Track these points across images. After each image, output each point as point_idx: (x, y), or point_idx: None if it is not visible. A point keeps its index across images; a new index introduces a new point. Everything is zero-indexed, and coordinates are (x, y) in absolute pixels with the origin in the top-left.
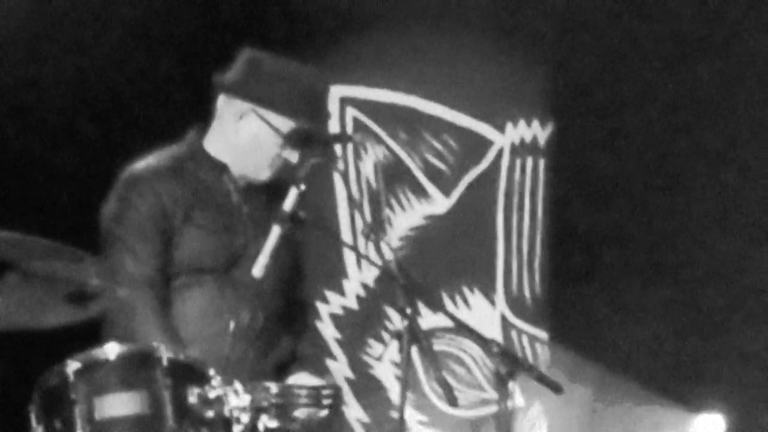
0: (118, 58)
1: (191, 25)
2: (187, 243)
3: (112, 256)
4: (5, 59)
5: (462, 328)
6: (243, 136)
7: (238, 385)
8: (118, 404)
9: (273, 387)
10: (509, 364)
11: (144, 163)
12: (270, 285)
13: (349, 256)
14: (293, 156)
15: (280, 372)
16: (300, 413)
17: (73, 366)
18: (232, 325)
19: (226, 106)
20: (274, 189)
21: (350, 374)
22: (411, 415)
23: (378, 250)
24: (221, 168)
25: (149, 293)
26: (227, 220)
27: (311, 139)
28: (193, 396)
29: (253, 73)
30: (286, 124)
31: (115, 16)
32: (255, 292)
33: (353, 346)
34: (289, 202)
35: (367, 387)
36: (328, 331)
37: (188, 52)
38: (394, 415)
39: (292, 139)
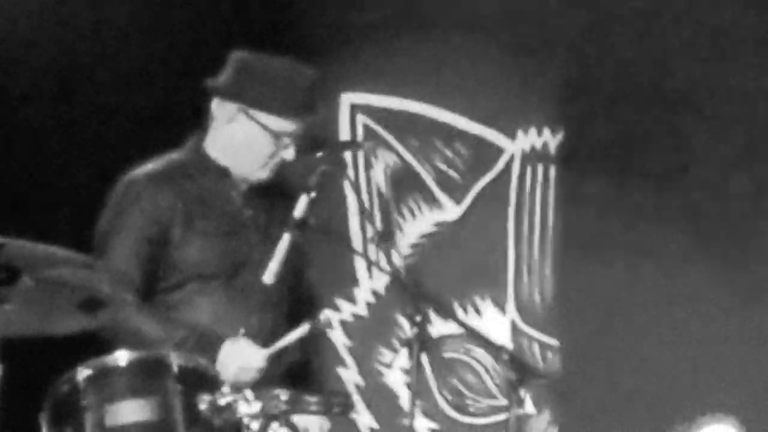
0: (128, 61)
1: (200, 32)
2: (190, 250)
3: (102, 260)
4: (5, 69)
5: (472, 336)
6: (236, 138)
7: (248, 392)
8: (129, 411)
9: (283, 394)
10: (519, 371)
11: (141, 170)
12: (278, 291)
13: (359, 264)
14: (289, 153)
15: (289, 378)
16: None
17: (84, 373)
18: (241, 331)
19: (218, 110)
20: (277, 193)
21: (360, 382)
22: (421, 423)
23: (388, 257)
24: (222, 172)
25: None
26: (229, 226)
27: (321, 145)
28: (203, 403)
29: (240, 73)
30: (275, 122)
31: (133, 20)
32: (264, 298)
33: (363, 353)
34: (299, 210)
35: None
36: (338, 338)
37: (196, 60)
38: (405, 422)
39: (301, 145)
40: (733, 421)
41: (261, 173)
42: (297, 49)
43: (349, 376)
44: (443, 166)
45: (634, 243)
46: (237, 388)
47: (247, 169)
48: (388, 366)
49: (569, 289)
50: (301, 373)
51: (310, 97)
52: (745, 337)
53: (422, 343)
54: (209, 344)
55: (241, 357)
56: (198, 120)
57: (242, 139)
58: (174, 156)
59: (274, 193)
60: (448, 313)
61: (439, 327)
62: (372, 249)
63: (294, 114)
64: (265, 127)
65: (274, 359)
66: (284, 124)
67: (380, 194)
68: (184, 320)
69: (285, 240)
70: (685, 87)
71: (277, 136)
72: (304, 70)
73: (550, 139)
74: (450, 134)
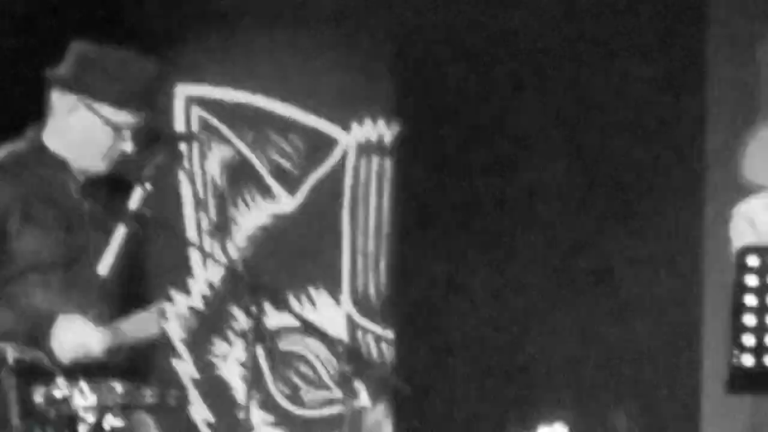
0: None
1: (39, 23)
2: (27, 241)
3: None
4: None
5: (308, 328)
6: (75, 129)
7: (83, 385)
8: None
9: (118, 386)
10: (354, 363)
11: None
12: (115, 283)
13: (194, 255)
14: (127, 145)
15: (130, 372)
16: None
17: None
18: None
19: (58, 101)
20: (115, 184)
21: (196, 374)
22: (257, 415)
23: (224, 249)
24: (61, 164)
25: None
26: (67, 218)
27: (156, 137)
28: (38, 395)
29: (80, 65)
30: (115, 113)
31: None
32: (101, 291)
33: (199, 345)
34: (134, 201)
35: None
36: (173, 330)
37: (27, 47)
38: (241, 415)
39: (136, 137)
40: (566, 423)
41: (100, 165)
42: (132, 40)
43: (185, 368)
44: (278, 158)
45: (470, 235)
46: (72, 380)
47: (85, 161)
48: (224, 358)
49: (404, 281)
50: (137, 366)
51: (149, 89)
52: (581, 330)
53: (258, 335)
54: (42, 326)
55: (76, 332)
56: (38, 111)
57: (81, 131)
58: (12, 147)
59: (112, 185)
60: (283, 305)
61: (274, 318)
62: (207, 240)
63: (134, 105)
64: (104, 119)
65: (114, 350)
66: (123, 116)
67: (215, 186)
68: (15, 306)
69: (120, 232)
70: (522, 78)
71: (116, 127)
72: (145, 62)
73: (386, 131)
74: (285, 126)
